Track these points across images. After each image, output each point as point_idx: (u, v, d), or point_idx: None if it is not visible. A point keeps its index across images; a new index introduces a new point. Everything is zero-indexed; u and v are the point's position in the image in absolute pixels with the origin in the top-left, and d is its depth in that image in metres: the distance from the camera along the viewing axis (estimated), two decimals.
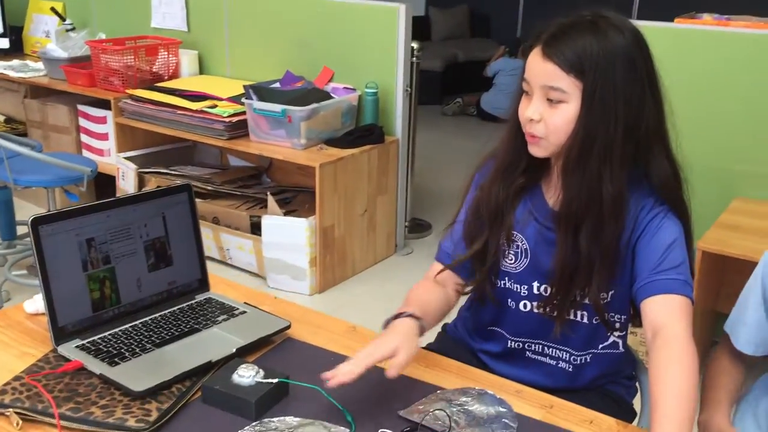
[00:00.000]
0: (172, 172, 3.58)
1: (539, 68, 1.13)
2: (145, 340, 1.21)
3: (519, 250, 1.27)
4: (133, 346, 1.19)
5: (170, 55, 3.83)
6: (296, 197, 3.51)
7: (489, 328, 1.35)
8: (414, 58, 3.50)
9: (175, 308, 1.32)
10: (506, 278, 1.29)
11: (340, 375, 1.04)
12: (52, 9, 4.28)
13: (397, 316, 1.17)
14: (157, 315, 1.29)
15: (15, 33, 4.49)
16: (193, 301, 1.35)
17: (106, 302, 1.24)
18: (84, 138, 3.87)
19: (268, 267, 3.19)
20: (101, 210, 1.23)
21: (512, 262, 1.28)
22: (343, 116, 3.35)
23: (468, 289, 1.33)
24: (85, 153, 3.81)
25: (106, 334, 1.22)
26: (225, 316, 1.30)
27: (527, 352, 1.32)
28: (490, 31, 7.96)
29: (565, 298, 1.21)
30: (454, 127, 6.16)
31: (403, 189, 3.55)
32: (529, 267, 1.26)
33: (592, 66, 1.10)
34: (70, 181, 2.79)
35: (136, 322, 1.26)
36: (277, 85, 3.48)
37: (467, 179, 1.35)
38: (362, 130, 3.33)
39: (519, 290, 1.28)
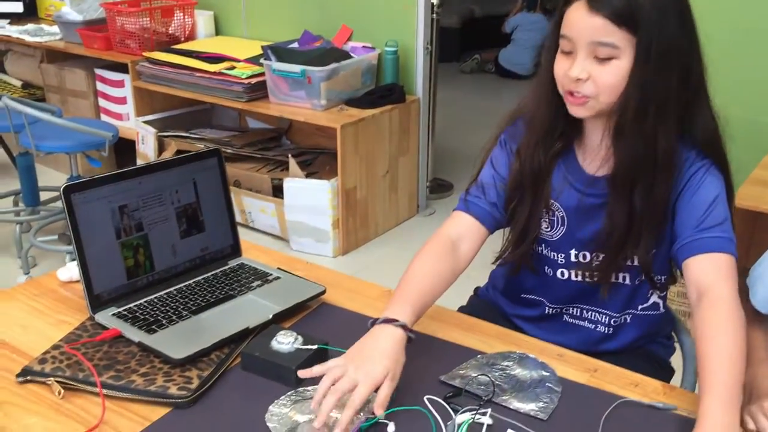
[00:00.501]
0: (192, 135, 3.56)
1: (585, 23, 1.08)
2: (181, 307, 1.20)
3: (555, 218, 1.23)
4: (169, 314, 1.18)
5: (186, 16, 3.78)
6: (317, 159, 3.48)
7: (524, 295, 1.33)
8: (434, 15, 3.43)
9: (208, 274, 1.31)
10: (543, 245, 1.26)
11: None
12: None
13: (386, 321, 1.04)
14: (191, 282, 1.28)
15: None
16: (226, 267, 1.34)
17: (140, 270, 1.23)
18: (102, 102, 3.84)
19: (291, 230, 3.18)
20: (133, 177, 1.21)
21: (548, 229, 1.25)
22: (363, 76, 3.30)
23: (500, 258, 1.30)
24: (104, 117, 3.80)
25: (142, 301, 1.21)
26: (259, 282, 1.29)
27: (565, 316, 1.30)
28: None
29: (613, 263, 1.18)
30: (473, 85, 6.07)
31: (424, 149, 3.51)
32: (566, 235, 1.23)
33: (645, 17, 1.05)
34: (91, 147, 2.77)
35: (171, 289, 1.25)
36: (296, 45, 3.42)
37: (491, 137, 1.30)
38: (383, 90, 3.28)
39: (556, 258, 1.26)
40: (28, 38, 3.96)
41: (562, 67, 1.13)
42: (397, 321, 1.04)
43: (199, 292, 1.25)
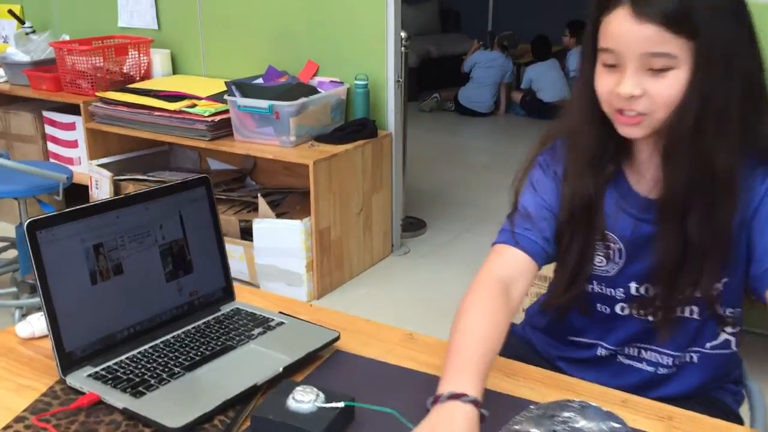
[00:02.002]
0: (151, 178, 3.34)
1: (633, 34, 0.94)
2: (172, 362, 1.01)
3: (611, 251, 1.08)
4: (158, 371, 0.99)
5: (141, 55, 3.60)
6: (285, 199, 3.30)
7: (573, 337, 1.17)
8: (403, 48, 3.32)
9: (199, 322, 1.11)
10: (595, 282, 1.11)
11: None
12: (10, 11, 4.00)
13: (454, 396, 0.86)
14: (180, 332, 1.09)
15: None
16: (219, 314, 1.15)
17: (119, 320, 1.03)
18: (51, 147, 3.60)
19: (261, 274, 2.98)
20: (109, 210, 1.02)
21: (602, 264, 1.09)
22: (332, 111, 3.16)
23: (547, 303, 1.14)
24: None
25: (123, 358, 1.01)
26: (260, 329, 1.10)
27: (620, 357, 1.15)
28: (460, 26, 7.84)
29: (671, 296, 1.04)
30: (433, 123, 6.00)
31: (398, 185, 3.37)
32: (625, 268, 1.08)
33: (701, 18, 0.92)
34: (43, 191, 2.55)
35: (157, 342, 1.06)
36: (260, 81, 3.27)
37: (526, 161, 1.14)
38: (354, 125, 3.14)
39: (613, 294, 1.11)
40: None
41: (607, 83, 0.99)
42: (466, 396, 0.86)
43: (192, 344, 1.06)
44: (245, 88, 3.09)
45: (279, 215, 3.05)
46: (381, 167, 3.21)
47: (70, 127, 3.50)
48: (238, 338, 1.08)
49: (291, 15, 3.34)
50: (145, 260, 1.06)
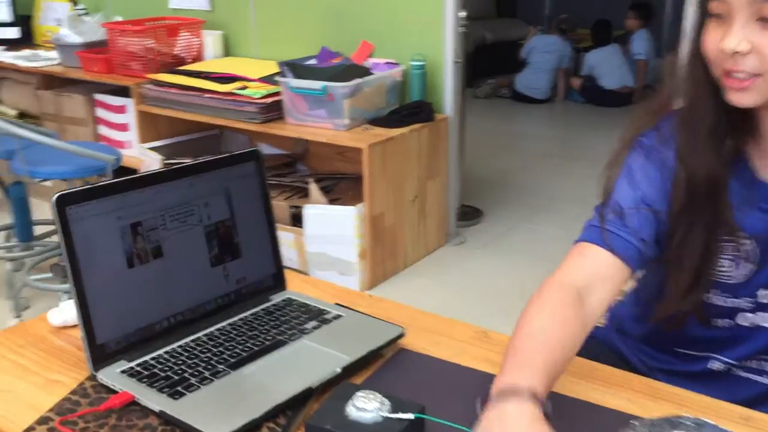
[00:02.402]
0: None
1: None
2: (215, 359, 0.89)
3: (740, 252, 0.91)
4: (200, 369, 0.87)
5: (193, 36, 3.52)
6: (337, 185, 3.18)
7: (682, 349, 1.01)
8: (462, 28, 3.16)
9: (247, 313, 0.99)
10: (715, 289, 0.94)
11: None
12: None
13: (508, 392, 0.73)
14: (225, 324, 0.97)
15: (24, 23, 4.19)
16: (269, 304, 1.02)
17: (158, 309, 0.92)
18: (102, 129, 3.56)
19: (312, 262, 2.87)
20: (149, 185, 0.91)
21: (729, 269, 0.92)
22: (387, 93, 3.02)
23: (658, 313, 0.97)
24: None
25: (162, 352, 0.90)
26: (315, 323, 0.98)
27: (736, 371, 0.98)
28: (516, 11, 7.62)
29: None
30: (489, 109, 5.81)
31: (454, 171, 3.22)
32: (757, 272, 0.92)
33: None
34: (92, 172, 2.47)
35: (200, 335, 0.94)
36: (313, 62, 3.15)
37: (622, 143, 0.96)
38: (409, 108, 3.00)
39: (737, 303, 0.94)
40: (23, 63, 3.70)
41: (712, 39, 0.83)
42: (522, 390, 0.73)
43: (238, 338, 0.94)
44: (298, 69, 2.98)
45: (331, 201, 2.93)
46: (437, 152, 3.06)
47: (121, 110, 3.45)
48: (290, 332, 0.95)
49: None
50: (187, 242, 0.94)
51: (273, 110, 2.99)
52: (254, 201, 1.02)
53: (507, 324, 0.87)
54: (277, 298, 1.04)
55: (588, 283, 0.88)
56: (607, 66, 5.71)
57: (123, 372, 0.86)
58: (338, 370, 0.87)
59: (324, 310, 1.01)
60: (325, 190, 3.08)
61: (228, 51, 3.64)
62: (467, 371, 0.92)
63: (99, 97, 3.52)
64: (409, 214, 2.99)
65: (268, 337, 0.94)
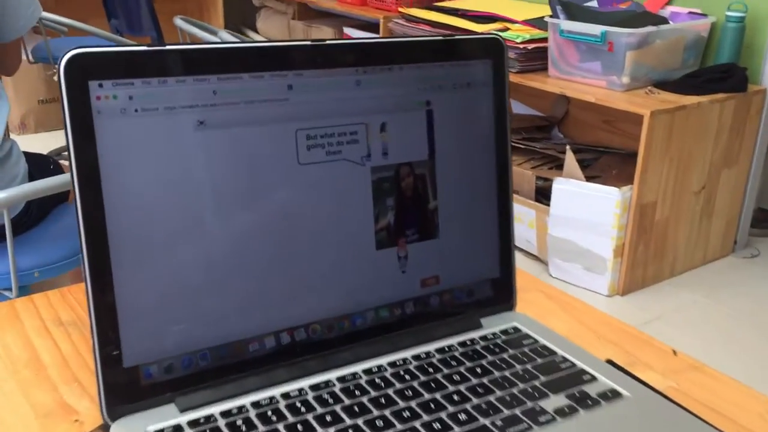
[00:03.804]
0: None
1: None
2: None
3: None
4: None
5: None
6: (599, 160, 2.59)
7: None
8: None
9: (431, 348, 0.51)
10: None
11: None
12: None
13: None
14: (385, 362, 0.50)
15: None
16: (477, 335, 0.53)
17: (256, 315, 0.47)
18: None
19: (553, 249, 2.33)
20: (269, 69, 0.45)
21: None
22: (685, 50, 2.34)
23: None
24: None
25: (248, 402, 0.45)
26: (566, 400, 0.47)
27: None
28: None
29: None
30: None
31: (759, 162, 2.45)
32: None
33: None
34: None
35: (332, 378, 0.48)
36: (594, 4, 2.56)
37: None
38: (714, 72, 2.30)
39: None
40: None
41: None
42: None
43: (404, 400, 0.46)
44: (573, 9, 2.41)
45: (589, 178, 2.35)
46: (742, 134, 2.33)
47: None
48: (509, 411, 0.45)
49: None
50: (334, 193, 0.48)
51: (534, 59, 2.46)
52: (479, 139, 0.53)
53: None
54: (494, 326, 0.55)
55: None
56: None
57: (171, 429, 0.43)
58: None
59: (586, 372, 0.50)
60: (583, 164, 2.50)
61: None
62: None
63: (347, 30, 3.25)
64: (690, 208, 2.31)
65: (462, 414, 0.45)
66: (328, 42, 0.47)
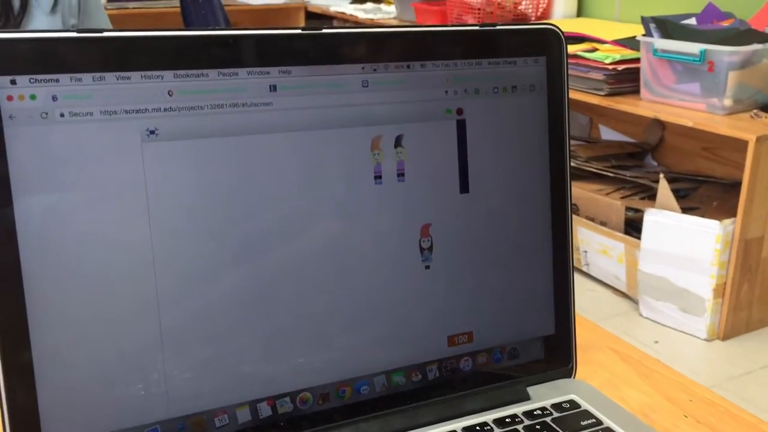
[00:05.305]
0: None
1: None
2: None
3: None
4: None
5: None
6: (698, 190, 2.38)
7: None
8: None
9: (460, 427, 0.40)
10: None
11: None
12: None
13: None
14: None
15: None
16: (522, 410, 0.41)
17: (224, 373, 0.37)
18: None
19: (645, 287, 2.14)
20: (243, 63, 0.36)
21: None
22: None
23: None
24: None
25: None
26: None
27: None
28: None
29: None
30: None
31: None
32: None
33: None
34: None
35: None
36: (692, 21, 2.37)
37: None
38: None
39: None
40: (362, 15, 3.53)
41: None
42: None
43: None
44: (669, 26, 2.24)
45: (685, 210, 2.15)
46: None
47: None
48: None
49: None
50: (345, 224, 0.37)
51: (625, 80, 2.30)
52: (526, 159, 0.41)
53: None
54: (544, 399, 0.42)
55: None
56: None
57: None
58: None
59: None
60: (679, 195, 2.30)
61: (581, 11, 3.01)
62: None
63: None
64: None
65: None
66: (325, 30, 0.37)
